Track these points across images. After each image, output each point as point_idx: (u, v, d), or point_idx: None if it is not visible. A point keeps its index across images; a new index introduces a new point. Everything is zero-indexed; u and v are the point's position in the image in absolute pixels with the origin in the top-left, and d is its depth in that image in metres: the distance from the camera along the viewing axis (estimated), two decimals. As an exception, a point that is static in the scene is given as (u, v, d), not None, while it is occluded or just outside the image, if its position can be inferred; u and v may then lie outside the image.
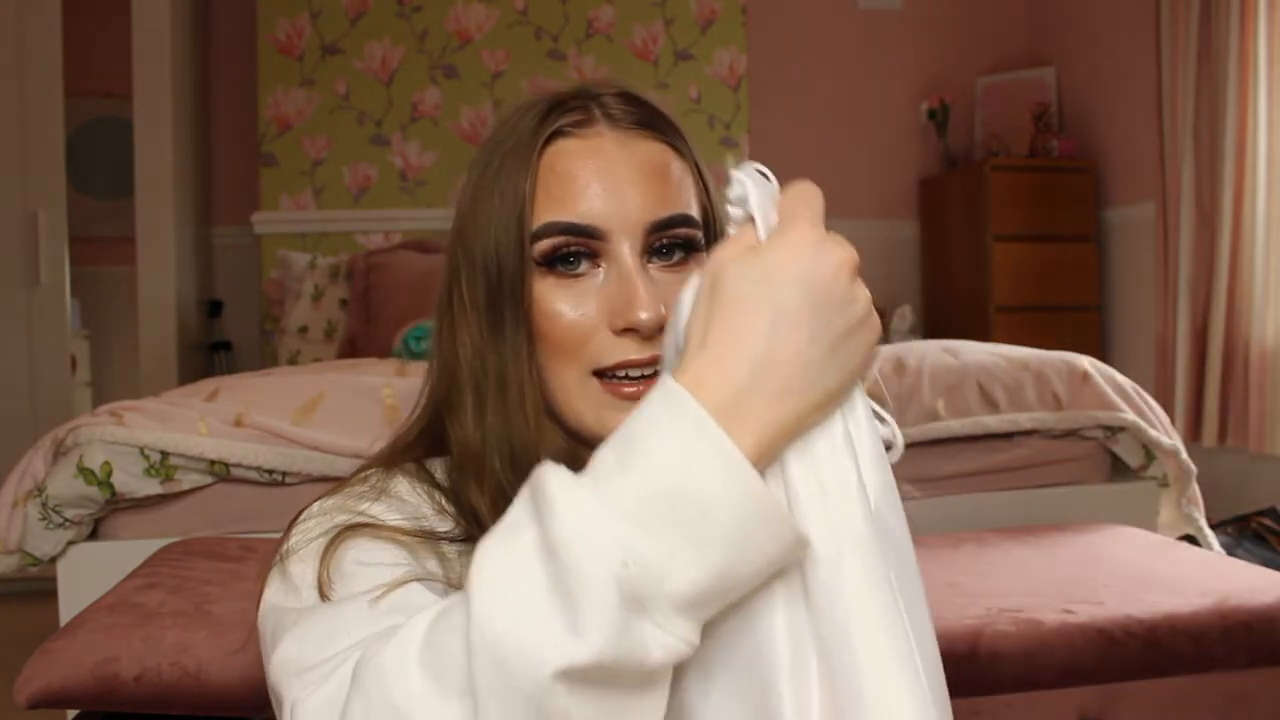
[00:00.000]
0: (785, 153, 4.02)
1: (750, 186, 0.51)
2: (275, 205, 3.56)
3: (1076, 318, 3.77)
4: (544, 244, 0.63)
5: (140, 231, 3.29)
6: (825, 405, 0.46)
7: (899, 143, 4.19)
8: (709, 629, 0.48)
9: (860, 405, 0.50)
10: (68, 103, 3.31)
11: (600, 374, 0.63)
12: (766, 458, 0.45)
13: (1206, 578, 1.43)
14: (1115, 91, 3.84)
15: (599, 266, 0.63)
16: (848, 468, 0.48)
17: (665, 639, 0.42)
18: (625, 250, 0.62)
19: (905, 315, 3.85)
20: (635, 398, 0.61)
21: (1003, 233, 3.71)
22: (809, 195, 0.49)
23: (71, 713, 1.25)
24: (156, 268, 3.30)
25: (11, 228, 3.23)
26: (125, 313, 3.76)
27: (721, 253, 0.49)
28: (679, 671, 0.50)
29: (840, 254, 0.47)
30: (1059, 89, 4.10)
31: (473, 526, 0.63)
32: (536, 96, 0.68)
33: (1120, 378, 2.05)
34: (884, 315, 3.98)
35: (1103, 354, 3.74)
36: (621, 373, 0.62)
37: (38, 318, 3.27)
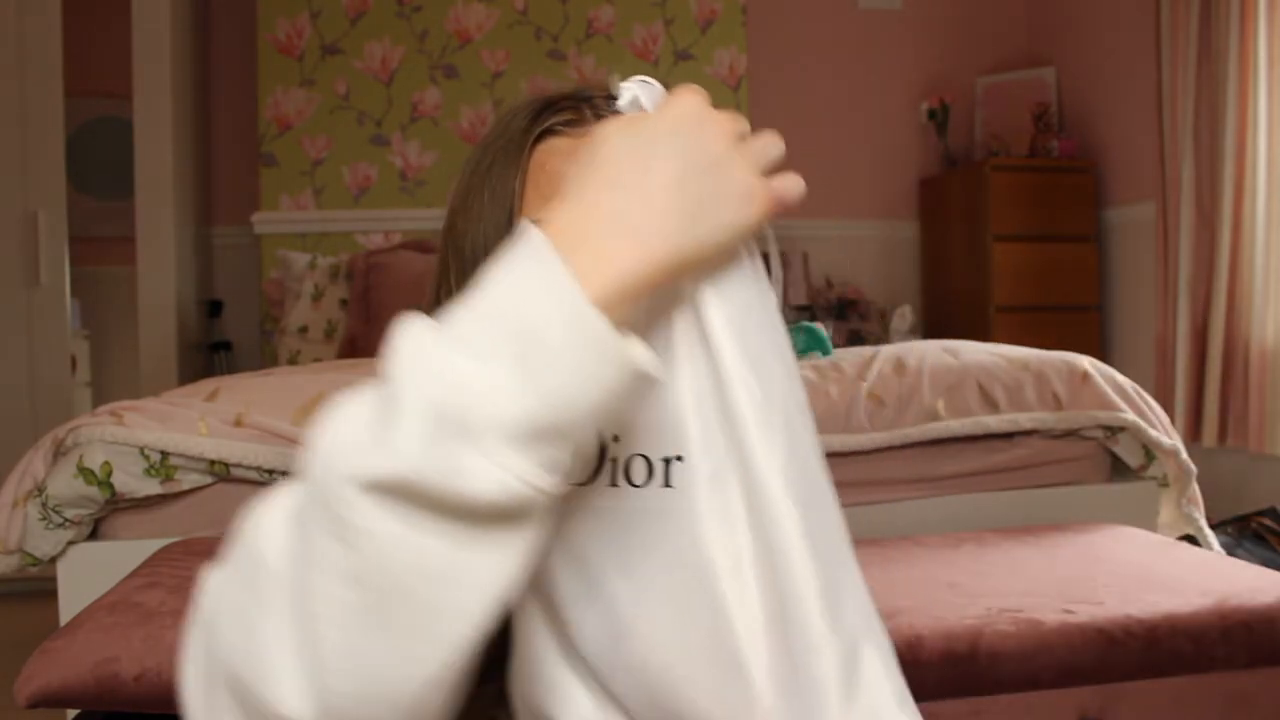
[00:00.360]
0: (785, 153, 4.02)
1: (639, 92, 0.56)
2: (275, 205, 3.56)
3: (1076, 318, 3.78)
4: None
5: (140, 231, 3.29)
6: (694, 261, 0.46)
7: (899, 143, 4.19)
8: (635, 532, 0.50)
9: (760, 274, 0.54)
10: (68, 103, 3.31)
11: None
12: (624, 301, 0.44)
13: (1206, 578, 1.43)
14: (1115, 91, 3.84)
15: None
16: (766, 329, 0.53)
17: (493, 470, 0.40)
18: None
19: (905, 315, 3.85)
20: None
21: (1003, 233, 3.71)
22: (694, 87, 0.51)
23: (71, 712, 1.25)
24: (156, 268, 3.30)
25: (11, 228, 3.23)
26: (125, 313, 3.76)
27: (608, 125, 0.50)
28: (605, 573, 0.51)
29: (722, 121, 0.49)
30: (1059, 89, 4.10)
31: None
32: (533, 97, 0.69)
33: (1120, 378, 2.05)
34: (884, 315, 3.99)
35: (1103, 354, 3.74)
36: None
37: (38, 318, 3.27)
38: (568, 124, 0.65)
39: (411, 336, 0.42)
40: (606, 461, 0.49)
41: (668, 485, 0.50)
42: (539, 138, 0.65)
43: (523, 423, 0.41)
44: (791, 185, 0.51)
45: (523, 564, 0.43)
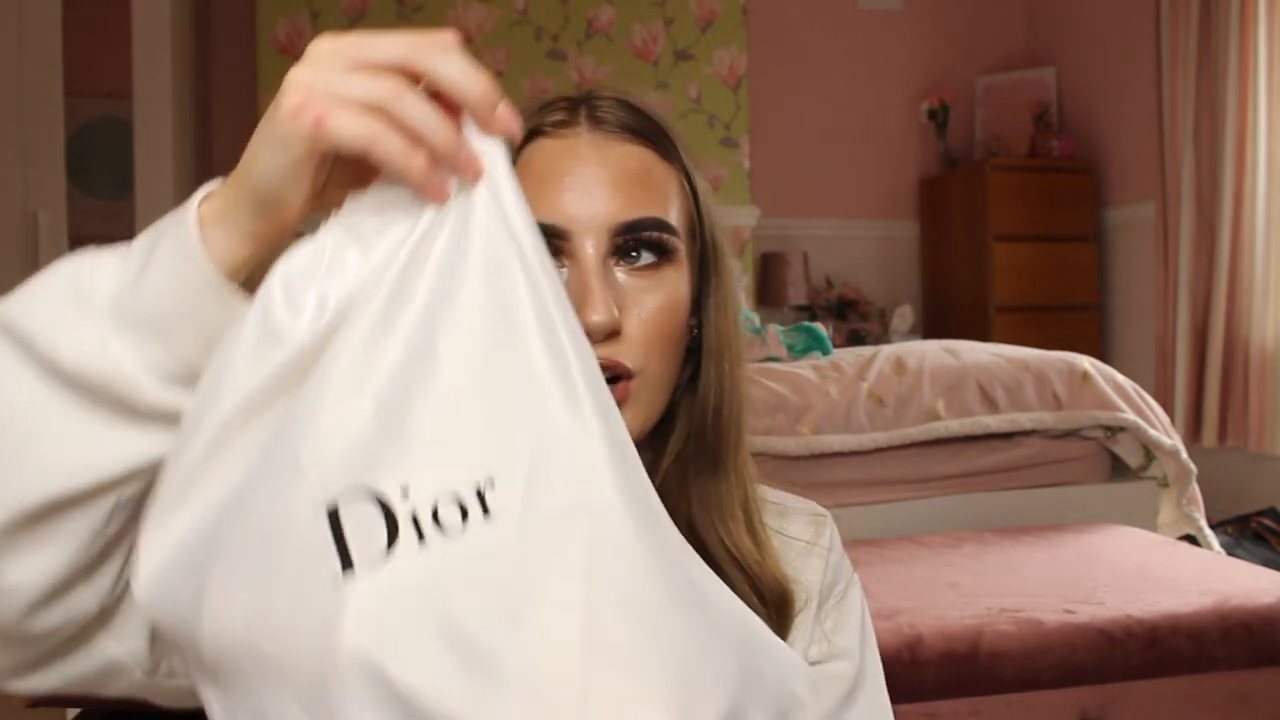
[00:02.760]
0: (785, 153, 4.02)
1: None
2: (275, 205, 3.56)
3: (1076, 318, 3.78)
4: None
5: (140, 231, 3.29)
6: (260, 177, 0.45)
7: (899, 143, 4.19)
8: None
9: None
10: (68, 103, 3.31)
11: None
12: (220, 219, 0.46)
13: (1206, 578, 1.43)
14: (1115, 91, 3.84)
15: (564, 266, 0.62)
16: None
17: (87, 335, 0.44)
18: (589, 251, 0.61)
19: (905, 315, 3.85)
20: None
21: (1003, 233, 3.71)
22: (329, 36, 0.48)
23: (71, 712, 1.25)
24: (156, 268, 3.30)
25: (11, 228, 3.23)
26: (125, 313, 3.76)
27: None
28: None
29: (324, 48, 0.46)
30: (1059, 89, 4.10)
31: None
32: (540, 99, 0.68)
33: (1120, 378, 2.05)
34: (884, 315, 3.99)
35: (1103, 354, 3.74)
36: None
37: (38, 318, 3.27)
38: (557, 125, 0.65)
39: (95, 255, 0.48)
40: (401, 525, 0.42)
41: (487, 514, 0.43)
42: (530, 138, 0.65)
43: (124, 301, 0.45)
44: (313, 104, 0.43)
45: (116, 461, 0.45)
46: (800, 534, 0.72)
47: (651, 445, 0.68)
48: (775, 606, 0.66)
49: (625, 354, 0.61)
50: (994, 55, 4.26)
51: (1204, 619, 1.30)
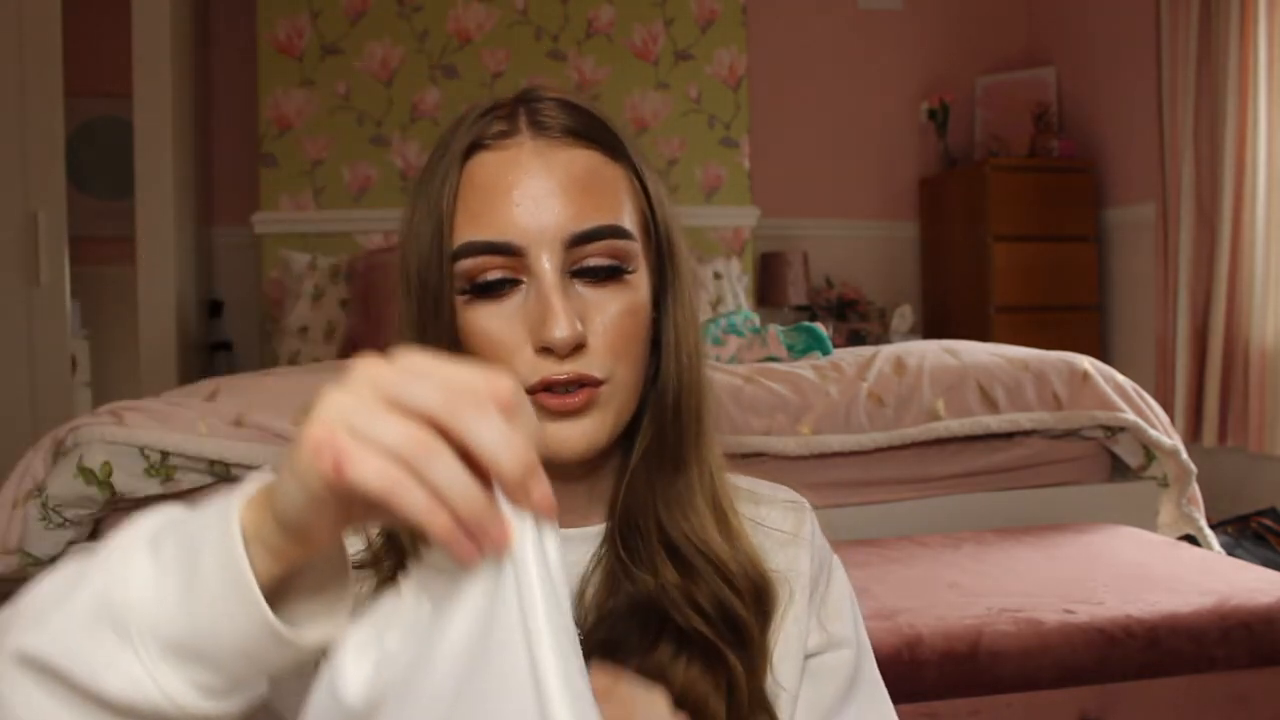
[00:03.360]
0: (785, 153, 4.02)
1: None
2: (275, 205, 3.56)
3: (1076, 318, 3.78)
4: (464, 264, 0.61)
5: (140, 231, 3.29)
6: (289, 507, 0.43)
7: (899, 143, 4.19)
8: None
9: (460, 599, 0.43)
10: (68, 103, 3.31)
11: (527, 391, 0.61)
12: (258, 542, 0.44)
13: (1206, 578, 1.43)
14: (1115, 91, 3.84)
15: (522, 283, 0.61)
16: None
17: (135, 671, 0.42)
18: (545, 265, 0.60)
19: (905, 315, 3.85)
20: (560, 409, 0.60)
21: (1003, 233, 3.71)
22: (368, 361, 0.44)
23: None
24: (156, 268, 3.30)
25: (11, 228, 3.23)
26: (125, 313, 3.76)
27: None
28: None
29: (351, 383, 0.43)
30: (1059, 89, 4.10)
31: (387, 550, 0.63)
32: (479, 105, 0.66)
33: (1120, 378, 2.05)
34: (884, 315, 3.99)
35: (1103, 354, 3.74)
36: (545, 389, 0.61)
37: (38, 318, 3.26)
38: (498, 136, 0.63)
39: (143, 519, 0.45)
40: None
41: None
42: (473, 151, 0.63)
43: (172, 634, 0.42)
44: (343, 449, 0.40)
45: None
46: (779, 524, 0.71)
47: (621, 446, 0.67)
48: (751, 596, 0.65)
49: (593, 366, 0.61)
50: (994, 55, 4.26)
51: (1204, 619, 1.30)
